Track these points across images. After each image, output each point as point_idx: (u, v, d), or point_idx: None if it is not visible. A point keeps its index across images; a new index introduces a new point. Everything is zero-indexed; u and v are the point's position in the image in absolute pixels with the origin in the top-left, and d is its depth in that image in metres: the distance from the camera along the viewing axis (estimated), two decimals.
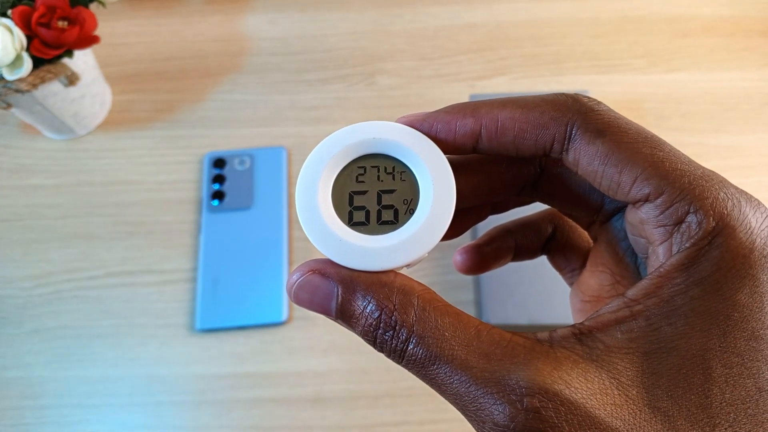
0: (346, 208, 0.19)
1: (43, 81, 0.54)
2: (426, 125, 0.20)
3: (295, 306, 0.56)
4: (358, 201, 0.20)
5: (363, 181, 0.20)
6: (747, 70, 0.66)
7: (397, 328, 0.18)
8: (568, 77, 0.67)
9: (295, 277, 0.19)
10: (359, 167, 0.20)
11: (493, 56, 0.69)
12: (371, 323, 0.19)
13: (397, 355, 0.19)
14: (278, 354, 0.54)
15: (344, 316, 0.19)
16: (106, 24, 0.72)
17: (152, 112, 0.67)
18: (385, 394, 0.52)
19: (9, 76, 0.52)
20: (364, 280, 0.19)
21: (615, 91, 0.65)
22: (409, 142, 0.20)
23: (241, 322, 0.54)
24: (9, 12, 0.51)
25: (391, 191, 0.20)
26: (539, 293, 0.49)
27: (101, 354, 0.55)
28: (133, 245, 0.59)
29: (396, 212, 0.19)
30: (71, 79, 0.57)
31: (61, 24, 0.52)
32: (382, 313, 0.18)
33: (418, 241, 0.19)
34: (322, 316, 0.55)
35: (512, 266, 0.50)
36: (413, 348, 0.18)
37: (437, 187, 0.19)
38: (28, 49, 0.52)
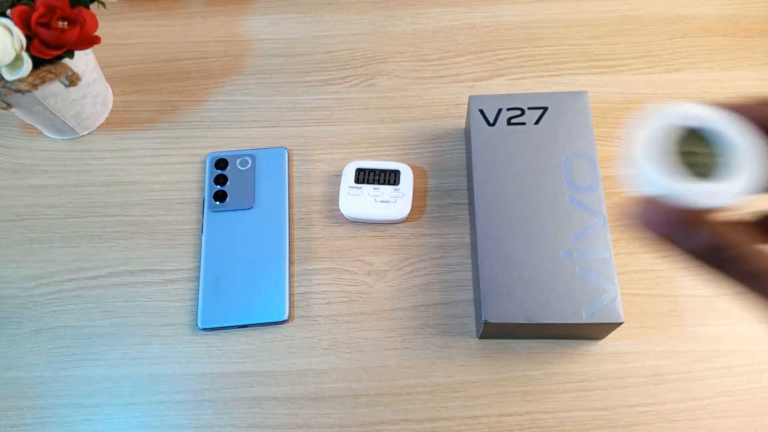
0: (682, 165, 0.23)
1: (43, 81, 0.55)
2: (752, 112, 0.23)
3: (297, 305, 0.56)
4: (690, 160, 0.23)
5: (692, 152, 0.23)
6: (747, 70, 0.66)
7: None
8: (567, 78, 0.67)
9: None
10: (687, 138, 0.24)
11: (492, 57, 0.69)
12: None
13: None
14: (279, 353, 0.54)
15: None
16: (107, 24, 0.72)
17: (154, 113, 0.67)
18: (386, 392, 0.52)
19: (9, 77, 0.52)
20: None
21: (614, 91, 0.65)
22: (726, 122, 0.23)
23: (242, 320, 0.54)
24: (8, 12, 0.52)
25: (711, 156, 0.23)
26: (539, 293, 0.49)
27: (102, 353, 0.55)
28: (135, 245, 0.59)
29: (719, 170, 0.23)
30: (72, 80, 0.57)
31: (61, 24, 0.52)
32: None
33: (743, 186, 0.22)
34: (322, 315, 0.55)
35: (512, 266, 0.50)
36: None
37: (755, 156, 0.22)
38: (27, 49, 0.52)
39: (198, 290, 0.56)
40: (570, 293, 0.49)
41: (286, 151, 0.61)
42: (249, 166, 0.60)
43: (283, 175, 0.60)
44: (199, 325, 0.55)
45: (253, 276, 0.56)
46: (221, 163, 0.60)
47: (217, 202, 0.58)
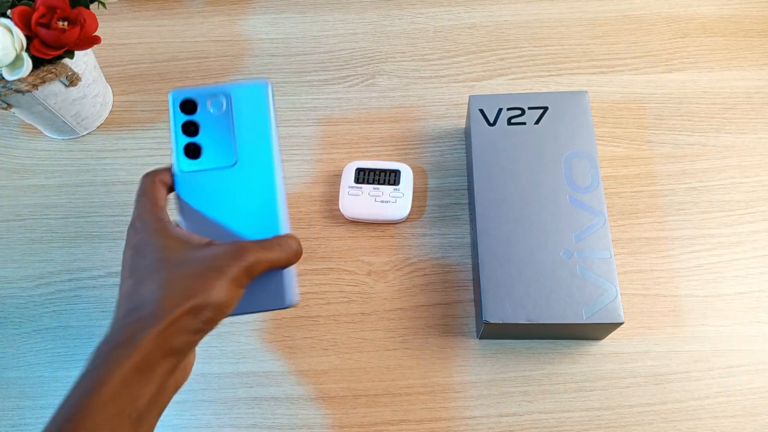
0: None
1: (43, 81, 0.55)
2: None
3: (299, 303, 0.56)
4: None
5: None
6: (747, 70, 0.66)
7: None
8: (567, 78, 0.67)
9: None
10: None
11: (492, 57, 0.69)
12: None
13: None
14: (279, 352, 0.54)
15: None
16: (107, 24, 0.72)
17: (153, 113, 0.67)
18: (386, 392, 0.52)
19: (9, 77, 0.52)
20: None
21: (614, 91, 0.65)
22: None
23: (242, 309, 0.41)
24: (9, 12, 0.52)
25: None
26: (539, 293, 0.49)
27: None
28: None
29: None
30: (72, 80, 0.57)
31: (61, 24, 0.52)
32: None
33: None
34: (322, 315, 0.55)
35: (512, 266, 0.50)
36: None
37: None
38: (28, 49, 0.52)
39: None
40: (570, 293, 0.49)
41: (267, 86, 0.43)
42: (224, 108, 0.43)
43: (268, 118, 0.43)
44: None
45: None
46: (189, 106, 0.43)
47: (190, 160, 0.42)
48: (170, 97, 0.42)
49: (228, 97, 0.43)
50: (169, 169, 0.41)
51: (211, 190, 0.42)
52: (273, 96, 0.44)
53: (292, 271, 0.41)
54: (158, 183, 0.40)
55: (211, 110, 0.43)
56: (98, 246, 0.59)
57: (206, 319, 0.33)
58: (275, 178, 0.43)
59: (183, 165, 0.42)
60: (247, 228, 0.42)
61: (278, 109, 0.67)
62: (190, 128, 0.42)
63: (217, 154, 0.42)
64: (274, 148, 0.43)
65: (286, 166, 0.63)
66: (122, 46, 0.71)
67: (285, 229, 0.41)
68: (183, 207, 0.42)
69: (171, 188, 0.41)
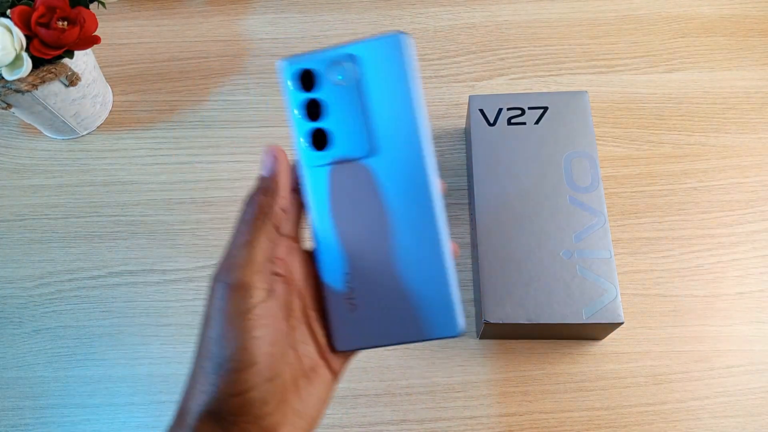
0: None
1: (43, 81, 0.55)
2: None
3: None
4: None
5: None
6: (747, 70, 0.66)
7: None
8: (567, 77, 0.67)
9: None
10: None
11: (492, 57, 0.69)
12: None
13: None
14: None
15: None
16: (107, 24, 0.72)
17: (153, 113, 0.67)
18: (385, 392, 0.52)
19: (9, 76, 0.52)
20: None
21: (614, 91, 0.65)
22: None
23: (394, 338, 0.33)
24: (8, 12, 0.52)
25: None
26: (539, 293, 0.49)
27: (102, 354, 0.55)
28: (135, 245, 0.59)
29: None
30: (72, 80, 0.57)
31: (61, 24, 0.52)
32: None
33: None
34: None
35: (512, 266, 0.50)
36: None
37: None
38: (27, 49, 0.52)
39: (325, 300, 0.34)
40: (570, 293, 0.49)
41: (405, 38, 0.31)
42: (351, 77, 0.32)
43: (409, 84, 0.31)
44: (337, 347, 0.32)
45: (399, 265, 0.32)
46: (307, 78, 0.32)
47: (317, 151, 0.33)
48: (281, 68, 0.32)
49: (355, 60, 0.32)
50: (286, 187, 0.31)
51: (346, 189, 0.33)
52: (414, 52, 0.32)
53: (453, 281, 0.32)
54: (271, 227, 0.28)
55: (336, 81, 0.32)
56: (98, 246, 0.59)
57: None
58: (428, 169, 0.32)
59: (308, 158, 0.33)
60: (398, 234, 0.32)
61: (279, 108, 0.66)
62: (312, 109, 0.33)
63: (350, 141, 0.32)
64: (423, 125, 0.32)
65: None
66: (122, 46, 0.71)
67: (447, 239, 0.32)
68: (314, 213, 0.32)
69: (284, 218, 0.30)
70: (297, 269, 0.31)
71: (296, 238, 0.32)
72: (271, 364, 0.26)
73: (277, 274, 0.29)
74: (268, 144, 0.31)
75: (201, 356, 0.26)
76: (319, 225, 0.32)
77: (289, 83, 0.32)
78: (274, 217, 0.28)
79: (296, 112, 0.32)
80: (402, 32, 0.31)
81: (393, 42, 0.31)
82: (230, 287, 0.26)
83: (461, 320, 0.31)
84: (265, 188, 0.29)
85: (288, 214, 0.30)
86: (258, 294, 0.26)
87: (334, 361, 0.32)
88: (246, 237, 0.27)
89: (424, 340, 0.32)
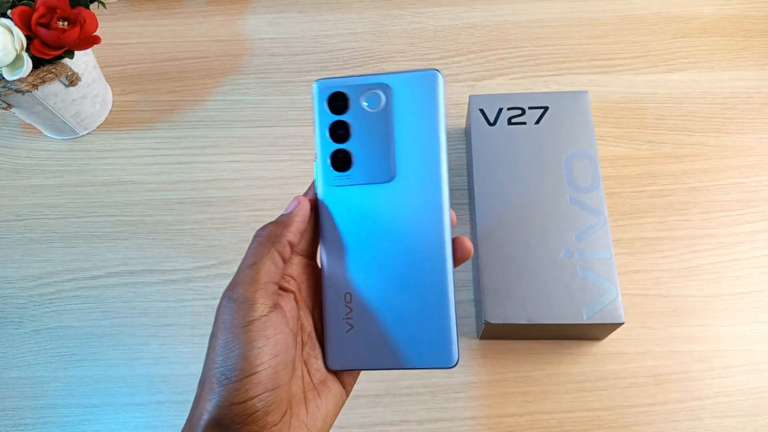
0: None
1: (43, 81, 0.55)
2: None
3: None
4: None
5: None
6: (747, 70, 0.66)
7: None
8: (567, 77, 0.67)
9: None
10: None
11: (492, 57, 0.69)
12: None
13: None
14: None
15: None
16: (107, 24, 0.72)
17: (153, 113, 0.67)
18: (386, 393, 0.52)
19: (9, 77, 0.52)
20: None
21: (615, 91, 0.65)
22: None
23: (386, 363, 0.34)
24: (9, 12, 0.52)
25: None
26: (539, 293, 0.49)
27: (102, 354, 0.55)
28: (135, 245, 0.59)
29: None
30: (72, 80, 0.57)
31: (61, 24, 0.52)
32: None
33: None
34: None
35: (512, 266, 0.50)
36: None
37: None
38: (28, 50, 0.52)
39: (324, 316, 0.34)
40: (570, 294, 0.49)
41: (439, 77, 0.33)
42: (382, 105, 0.34)
43: (437, 120, 0.33)
44: (329, 365, 0.33)
45: (401, 292, 0.34)
46: (339, 101, 0.34)
47: (338, 173, 0.34)
48: (315, 89, 0.34)
49: (387, 90, 0.34)
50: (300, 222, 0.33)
51: (360, 211, 0.34)
52: (444, 90, 0.34)
53: (453, 311, 0.33)
54: (277, 256, 0.30)
55: (366, 107, 0.34)
56: (98, 246, 0.59)
57: None
58: (443, 201, 0.33)
59: (328, 178, 0.34)
60: (405, 261, 0.33)
61: (278, 108, 0.66)
62: (339, 131, 0.34)
63: (370, 166, 0.34)
64: (443, 159, 0.33)
65: (286, 166, 0.63)
66: (122, 46, 0.71)
67: (451, 271, 0.33)
68: (326, 232, 0.34)
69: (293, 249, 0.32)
70: (310, 287, 0.33)
71: (313, 257, 0.34)
72: (273, 374, 0.27)
73: (285, 290, 0.31)
74: (296, 195, 0.34)
75: (207, 367, 0.28)
76: (328, 243, 0.33)
77: (322, 104, 0.34)
78: (280, 245, 0.30)
79: (324, 132, 0.34)
80: (437, 70, 0.33)
81: (428, 77, 0.33)
82: (235, 302, 0.28)
83: (456, 352, 0.32)
84: (279, 221, 0.31)
85: (306, 233, 0.33)
86: (260, 308, 0.28)
87: (346, 375, 0.33)
88: (252, 260, 0.29)
89: (416, 368, 0.33)
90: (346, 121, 0.33)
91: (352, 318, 0.33)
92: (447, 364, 0.33)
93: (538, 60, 0.68)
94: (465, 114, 0.65)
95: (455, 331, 0.33)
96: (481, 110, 0.57)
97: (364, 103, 0.34)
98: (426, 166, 0.33)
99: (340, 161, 0.34)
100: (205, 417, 0.27)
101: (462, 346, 0.54)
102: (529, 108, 0.56)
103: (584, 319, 0.48)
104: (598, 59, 0.68)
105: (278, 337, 0.28)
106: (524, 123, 0.56)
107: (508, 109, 0.56)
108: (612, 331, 0.51)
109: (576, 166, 0.53)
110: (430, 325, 0.33)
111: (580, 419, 0.51)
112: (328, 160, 0.34)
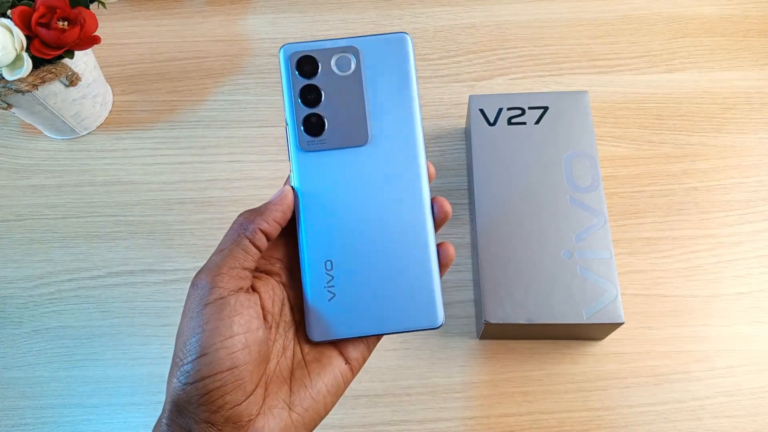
0: None
1: (43, 81, 0.55)
2: None
3: None
4: None
5: None
6: (747, 70, 0.66)
7: None
8: (567, 77, 0.67)
9: None
10: None
11: (492, 57, 0.69)
12: None
13: None
14: None
15: None
16: (107, 24, 0.72)
17: (153, 113, 0.67)
18: (386, 393, 0.52)
19: (9, 77, 0.52)
20: None
21: (615, 91, 0.65)
22: None
23: (371, 328, 0.34)
24: (9, 12, 0.52)
25: None
26: (539, 293, 0.49)
27: (102, 354, 0.55)
28: (135, 245, 0.59)
29: None
30: (72, 80, 0.57)
31: (62, 24, 0.52)
32: None
33: None
34: None
35: (512, 266, 0.50)
36: None
37: None
38: (28, 50, 0.52)
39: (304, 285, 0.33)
40: (570, 293, 0.49)
41: (407, 39, 0.34)
42: (352, 69, 0.34)
43: (409, 82, 0.34)
44: (312, 337, 0.32)
45: (382, 255, 0.33)
46: (308, 65, 0.34)
47: (310, 137, 0.34)
48: (282, 54, 0.33)
49: (357, 53, 0.33)
50: (276, 212, 0.32)
51: (336, 176, 0.33)
52: (414, 53, 0.34)
53: (435, 272, 0.33)
54: (248, 243, 0.30)
55: (336, 71, 0.33)
56: (98, 246, 0.59)
57: None
58: (420, 161, 0.33)
59: (301, 143, 0.33)
60: (384, 224, 0.33)
61: (278, 108, 0.66)
62: (310, 95, 0.33)
63: (345, 129, 0.33)
64: (418, 119, 0.33)
65: (286, 166, 0.63)
66: (122, 46, 0.71)
67: (432, 232, 0.33)
68: (301, 199, 0.33)
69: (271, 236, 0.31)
70: (295, 268, 0.33)
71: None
72: (228, 354, 0.27)
73: (269, 273, 0.32)
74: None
75: (173, 354, 0.29)
76: (305, 210, 0.33)
77: (290, 68, 0.33)
78: (249, 232, 0.30)
79: (294, 97, 0.33)
80: (405, 33, 0.34)
81: (396, 40, 0.33)
82: (194, 287, 0.29)
83: (441, 312, 0.32)
84: (256, 209, 0.31)
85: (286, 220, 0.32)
86: (217, 291, 0.28)
87: (350, 350, 0.32)
88: (220, 246, 0.30)
89: (403, 332, 0.32)
90: (316, 84, 0.33)
91: (333, 286, 0.32)
92: (432, 324, 0.32)
93: (538, 60, 0.68)
94: (465, 114, 0.65)
95: (440, 291, 0.32)
96: (481, 110, 0.57)
97: (334, 67, 0.33)
98: (401, 127, 0.33)
99: (313, 126, 0.33)
100: (167, 400, 0.28)
101: (462, 346, 0.54)
102: (529, 108, 0.56)
103: (584, 319, 0.48)
104: (598, 59, 0.68)
105: (236, 318, 0.28)
106: (524, 123, 0.56)
107: (508, 109, 0.56)
108: (612, 331, 0.51)
109: (576, 166, 0.53)
110: (414, 287, 0.32)
111: (580, 419, 0.51)
112: (301, 125, 0.33)
